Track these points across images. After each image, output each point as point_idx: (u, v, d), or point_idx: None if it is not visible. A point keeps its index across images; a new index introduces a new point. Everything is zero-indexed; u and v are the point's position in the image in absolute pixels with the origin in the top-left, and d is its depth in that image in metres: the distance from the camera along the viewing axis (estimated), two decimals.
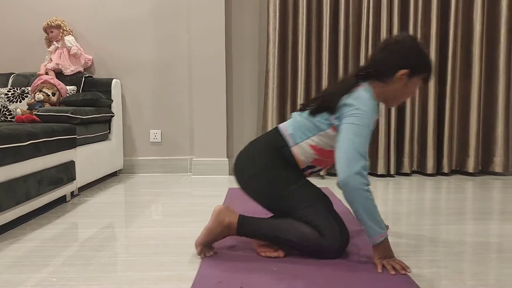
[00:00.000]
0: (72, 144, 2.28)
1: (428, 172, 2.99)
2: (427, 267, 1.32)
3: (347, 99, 1.34)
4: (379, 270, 1.25)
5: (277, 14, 2.90)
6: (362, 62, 2.93)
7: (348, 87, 1.39)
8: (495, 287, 1.18)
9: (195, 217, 1.93)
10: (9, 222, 1.76)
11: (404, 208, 2.08)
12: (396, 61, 1.36)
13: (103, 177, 3.01)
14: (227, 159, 3.10)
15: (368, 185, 1.26)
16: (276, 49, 2.92)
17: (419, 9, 2.91)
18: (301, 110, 1.49)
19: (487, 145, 3.06)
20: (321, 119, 1.39)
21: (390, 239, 1.29)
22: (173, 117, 3.21)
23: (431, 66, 1.40)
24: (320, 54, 2.97)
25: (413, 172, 3.09)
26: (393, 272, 1.23)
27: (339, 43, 2.95)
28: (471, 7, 2.94)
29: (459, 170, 3.08)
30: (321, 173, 2.94)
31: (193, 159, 3.11)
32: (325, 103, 1.39)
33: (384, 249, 1.28)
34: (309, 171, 1.50)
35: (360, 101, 1.33)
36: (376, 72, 1.39)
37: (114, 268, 1.34)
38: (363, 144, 1.29)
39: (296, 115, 1.49)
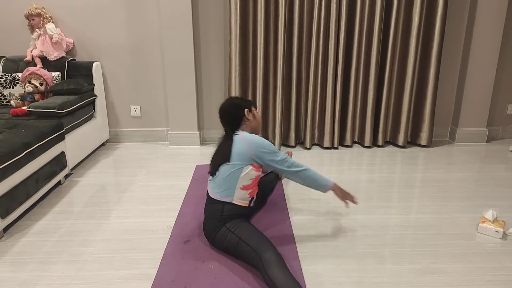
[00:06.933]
0: (61, 138, 2.51)
1: (365, 145, 3.32)
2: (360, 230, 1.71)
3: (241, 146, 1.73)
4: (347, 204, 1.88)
5: (238, 7, 2.97)
6: (313, 49, 3.08)
7: (228, 144, 1.77)
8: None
9: (164, 205, 2.28)
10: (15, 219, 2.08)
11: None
12: (236, 112, 1.83)
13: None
14: (198, 132, 3.37)
15: (299, 170, 1.76)
16: (238, 40, 3.04)
17: None
18: (212, 174, 1.80)
19: (416, 123, 3.36)
20: (231, 168, 1.72)
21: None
22: (150, 94, 3.40)
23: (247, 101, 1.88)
24: (276, 45, 3.09)
25: (354, 143, 3.42)
26: (346, 201, 1.85)
27: (293, 34, 3.07)
28: None
29: (392, 142, 3.42)
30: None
31: (169, 131, 3.37)
32: (221, 158, 1.77)
33: (338, 189, 1.83)
34: (252, 203, 1.84)
35: (252, 139, 1.75)
36: (234, 125, 1.85)
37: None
38: (280, 155, 1.76)
39: (212, 180, 1.80)
